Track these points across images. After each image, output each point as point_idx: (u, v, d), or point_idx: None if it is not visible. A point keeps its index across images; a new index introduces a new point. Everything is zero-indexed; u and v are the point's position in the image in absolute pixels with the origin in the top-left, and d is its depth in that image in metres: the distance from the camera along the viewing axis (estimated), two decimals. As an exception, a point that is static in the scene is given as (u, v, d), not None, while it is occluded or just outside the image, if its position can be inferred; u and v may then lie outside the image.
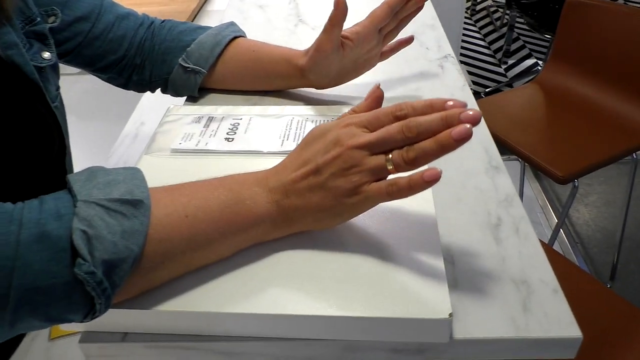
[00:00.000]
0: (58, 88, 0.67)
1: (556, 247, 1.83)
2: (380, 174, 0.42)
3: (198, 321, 0.41)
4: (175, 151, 0.58)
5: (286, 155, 0.55)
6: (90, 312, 0.37)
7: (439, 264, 0.44)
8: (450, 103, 0.40)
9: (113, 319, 0.42)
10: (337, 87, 0.70)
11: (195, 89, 0.72)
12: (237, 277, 0.44)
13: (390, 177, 0.42)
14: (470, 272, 0.47)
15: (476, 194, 0.55)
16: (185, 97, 0.74)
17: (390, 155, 0.41)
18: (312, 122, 0.61)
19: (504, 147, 1.44)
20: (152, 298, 0.42)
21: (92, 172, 0.40)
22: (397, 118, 0.42)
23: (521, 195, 2.04)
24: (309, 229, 0.46)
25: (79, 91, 2.47)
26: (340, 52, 0.65)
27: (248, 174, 0.46)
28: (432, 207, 0.49)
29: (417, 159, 0.41)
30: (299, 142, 0.57)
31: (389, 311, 0.40)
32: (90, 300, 0.36)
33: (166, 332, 0.43)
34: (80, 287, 0.36)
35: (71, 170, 0.71)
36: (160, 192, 0.42)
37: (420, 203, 0.50)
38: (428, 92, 0.73)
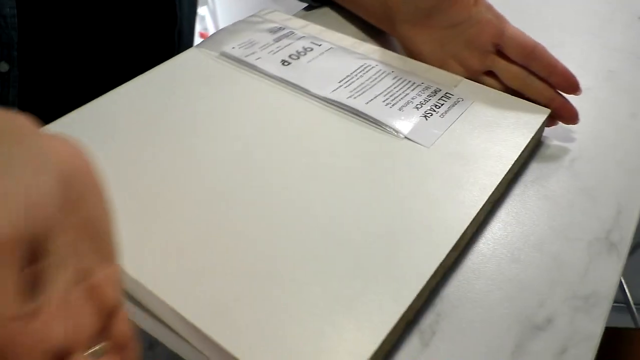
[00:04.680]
0: None
1: None
2: None
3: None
4: (224, 55, 0.49)
5: (329, 105, 0.44)
6: None
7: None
8: None
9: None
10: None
11: None
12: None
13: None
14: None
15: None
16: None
17: None
18: (395, 79, 0.46)
19: None
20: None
21: None
22: None
23: None
24: None
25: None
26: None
27: None
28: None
29: None
30: (355, 97, 0.44)
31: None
32: None
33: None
34: None
35: (181, 43, 0.67)
36: None
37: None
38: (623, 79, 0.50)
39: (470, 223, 0.35)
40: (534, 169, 0.43)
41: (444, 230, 0.34)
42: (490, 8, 0.45)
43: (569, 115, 0.44)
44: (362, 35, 0.57)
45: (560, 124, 0.45)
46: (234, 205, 0.36)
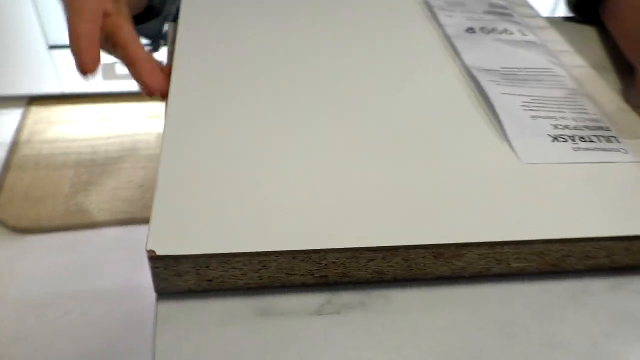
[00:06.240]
0: None
1: None
2: None
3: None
4: (425, 2, 0.46)
5: (469, 79, 0.38)
6: None
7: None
8: None
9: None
10: None
11: None
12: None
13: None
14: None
15: None
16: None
17: None
18: (568, 96, 0.36)
19: None
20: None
21: None
22: None
23: None
24: None
25: None
26: None
27: None
28: None
29: None
30: (498, 84, 0.37)
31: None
32: None
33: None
34: None
35: None
36: None
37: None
38: None
39: (452, 245, 0.27)
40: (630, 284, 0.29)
41: (436, 227, 0.27)
42: None
43: None
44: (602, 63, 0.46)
45: None
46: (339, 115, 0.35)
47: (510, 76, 0.38)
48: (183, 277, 0.26)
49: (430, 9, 0.45)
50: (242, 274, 0.26)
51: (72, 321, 1.07)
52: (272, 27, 0.42)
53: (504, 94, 0.36)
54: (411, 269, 0.28)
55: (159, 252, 0.25)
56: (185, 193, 0.28)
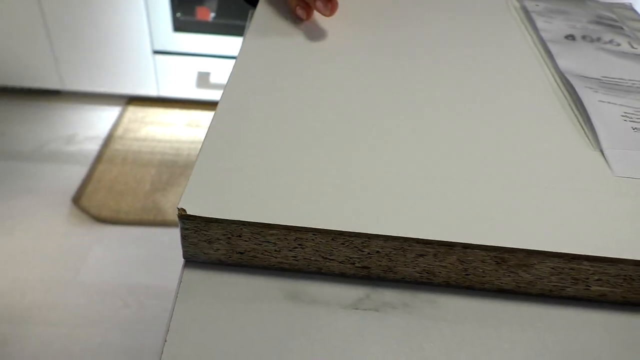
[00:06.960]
0: None
1: None
2: None
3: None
4: (522, 8, 0.43)
5: (558, 85, 0.34)
6: None
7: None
8: None
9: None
10: None
11: None
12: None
13: None
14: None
15: None
16: None
17: None
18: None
19: None
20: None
21: None
22: None
23: None
24: None
25: None
26: None
27: None
28: None
29: None
30: (595, 91, 0.33)
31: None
32: None
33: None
34: None
35: None
36: None
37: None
38: None
39: (519, 251, 0.23)
40: None
41: (503, 227, 0.23)
42: None
43: None
44: None
45: None
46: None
47: (612, 85, 0.33)
48: (213, 245, 0.24)
49: (527, 15, 0.42)
50: (276, 251, 0.24)
51: (128, 313, 1.09)
52: (359, 23, 0.40)
53: (601, 101, 0.31)
54: (467, 274, 0.24)
55: (190, 212, 0.23)
56: (228, 159, 0.26)
